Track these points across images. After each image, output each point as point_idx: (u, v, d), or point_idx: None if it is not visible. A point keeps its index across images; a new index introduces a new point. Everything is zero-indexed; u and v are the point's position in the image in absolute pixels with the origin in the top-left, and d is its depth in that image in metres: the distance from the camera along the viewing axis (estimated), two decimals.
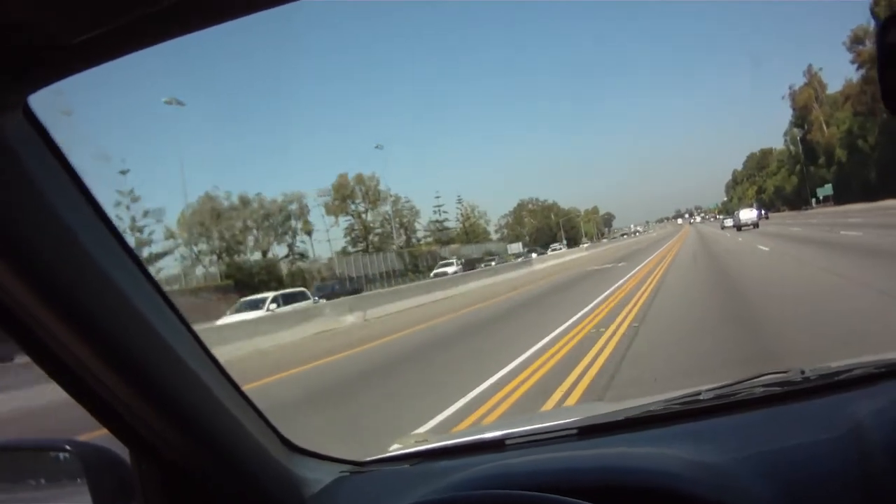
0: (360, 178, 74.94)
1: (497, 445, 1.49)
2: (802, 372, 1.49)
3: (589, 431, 1.45)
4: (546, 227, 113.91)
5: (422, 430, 5.42)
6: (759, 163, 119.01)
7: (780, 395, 1.41)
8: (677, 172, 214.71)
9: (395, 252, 67.99)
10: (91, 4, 0.71)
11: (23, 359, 1.04)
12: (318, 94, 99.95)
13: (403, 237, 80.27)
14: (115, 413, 1.01)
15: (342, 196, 73.04)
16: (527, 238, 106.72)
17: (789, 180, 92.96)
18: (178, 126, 74.74)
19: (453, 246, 79.45)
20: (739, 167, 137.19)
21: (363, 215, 74.91)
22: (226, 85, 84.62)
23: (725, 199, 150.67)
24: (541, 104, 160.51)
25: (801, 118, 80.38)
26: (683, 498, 1.05)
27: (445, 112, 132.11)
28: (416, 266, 65.46)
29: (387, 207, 77.16)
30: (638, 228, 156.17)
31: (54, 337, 0.90)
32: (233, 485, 1.14)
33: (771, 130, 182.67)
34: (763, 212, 76.42)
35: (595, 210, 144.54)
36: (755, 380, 1.52)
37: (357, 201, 75.22)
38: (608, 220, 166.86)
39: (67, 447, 1.23)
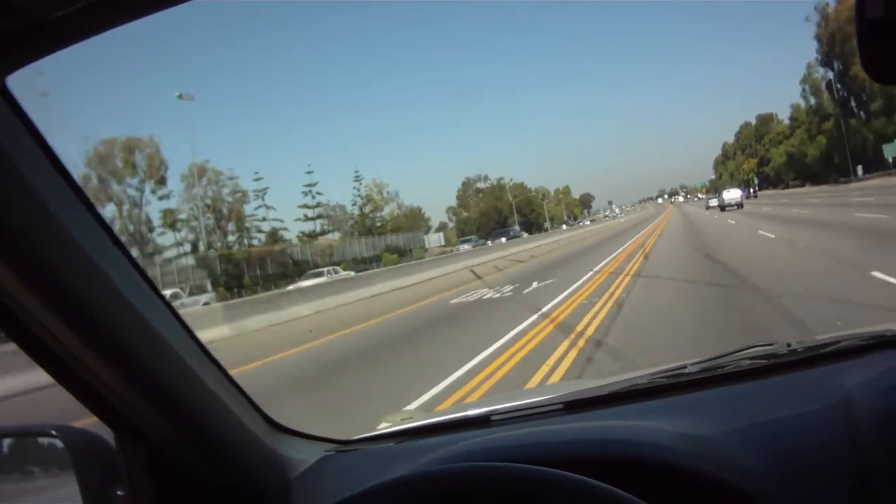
0: (130, 144, 50.01)
1: (482, 422, 1.49)
2: (789, 345, 1.50)
3: (574, 406, 1.46)
4: (495, 211, 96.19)
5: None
6: (756, 131, 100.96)
7: (766, 368, 1.41)
8: (661, 151, 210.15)
9: (200, 256, 47.75)
10: None
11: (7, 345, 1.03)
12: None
13: (236, 233, 59.02)
14: (99, 397, 1.01)
15: (109, 171, 50.09)
16: (474, 226, 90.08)
17: (814, 143, 66.65)
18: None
19: (325, 241, 61.95)
20: (731, 140, 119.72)
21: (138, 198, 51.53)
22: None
23: (714, 176, 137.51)
24: (521, 86, 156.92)
25: (831, 52, 57.87)
26: (670, 469, 1.06)
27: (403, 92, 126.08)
28: (241, 281, 45.62)
29: (197, 189, 53.29)
30: (607, 213, 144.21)
31: (37, 321, 0.89)
32: (218, 466, 1.15)
33: (766, 99, 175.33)
34: (751, 190, 74.15)
35: (566, 190, 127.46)
36: (741, 352, 1.53)
37: (130, 178, 50.79)
38: (587, 201, 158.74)
39: (53, 432, 1.22)
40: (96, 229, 0.94)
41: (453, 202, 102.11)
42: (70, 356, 0.94)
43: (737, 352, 1.54)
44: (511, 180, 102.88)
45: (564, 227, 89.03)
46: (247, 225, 61.06)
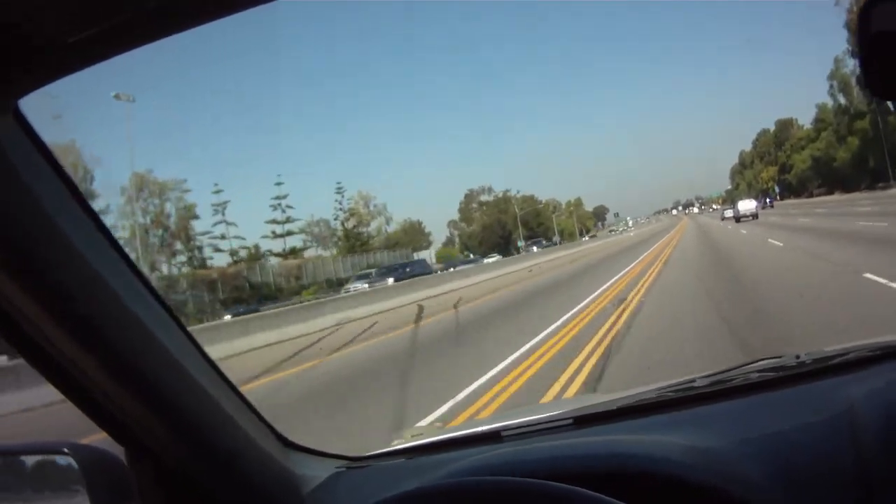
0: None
1: (493, 437, 1.50)
2: (797, 357, 1.50)
3: (584, 421, 1.46)
4: (499, 225, 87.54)
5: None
6: (776, 138, 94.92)
7: (775, 381, 1.41)
8: (676, 162, 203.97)
9: None
10: (82, 4, 0.71)
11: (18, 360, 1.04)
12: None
13: (186, 252, 51.90)
14: (110, 414, 1.02)
15: None
16: (476, 241, 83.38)
17: (844, 146, 60.26)
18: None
19: (293, 261, 54.83)
20: (748, 149, 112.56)
21: None
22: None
23: (730, 186, 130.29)
24: (530, 97, 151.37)
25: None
26: (679, 483, 1.06)
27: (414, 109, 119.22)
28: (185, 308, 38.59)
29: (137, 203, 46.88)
30: (612, 228, 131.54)
31: (47, 338, 0.90)
32: (229, 484, 1.15)
33: (785, 105, 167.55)
34: (768, 200, 71.33)
35: (578, 202, 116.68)
36: (750, 365, 1.53)
37: None
38: (601, 213, 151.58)
39: (65, 450, 1.23)
40: (107, 248, 0.96)
41: (456, 215, 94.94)
42: (79, 373, 0.95)
43: (745, 365, 1.54)
44: (518, 192, 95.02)
45: (535, 248, 68.39)
46: (198, 244, 54.45)
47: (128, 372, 0.97)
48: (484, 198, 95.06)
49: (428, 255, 62.37)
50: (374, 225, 72.47)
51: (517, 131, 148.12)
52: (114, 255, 0.97)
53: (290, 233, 60.32)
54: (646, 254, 28.71)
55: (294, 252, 59.74)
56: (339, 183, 73.22)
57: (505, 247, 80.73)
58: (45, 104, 0.88)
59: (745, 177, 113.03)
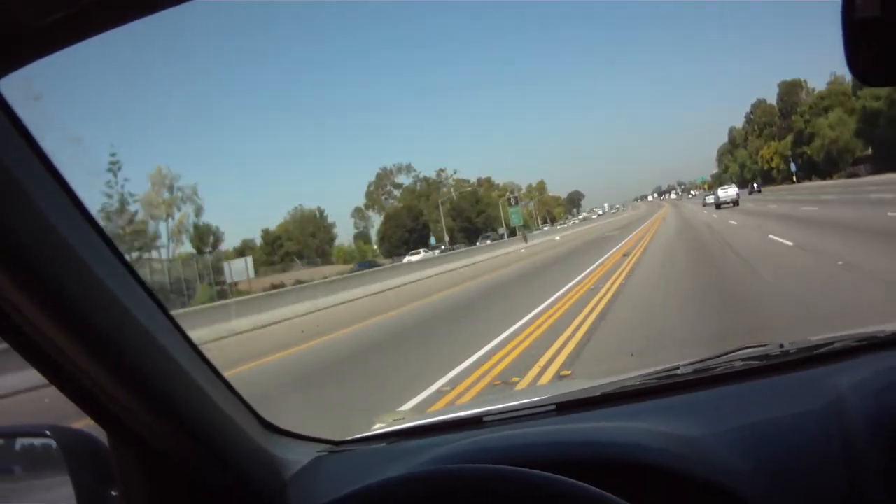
0: None
1: (475, 423, 1.50)
2: (781, 345, 1.50)
3: (566, 407, 1.46)
4: (409, 216, 66.14)
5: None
6: (781, 102, 77.42)
7: (759, 369, 1.41)
8: (656, 146, 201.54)
9: None
10: None
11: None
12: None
13: None
14: (92, 397, 1.01)
15: None
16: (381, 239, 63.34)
17: None
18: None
19: None
20: (739, 125, 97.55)
21: None
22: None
23: (717, 170, 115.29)
24: (511, 86, 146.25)
25: None
26: (660, 471, 1.06)
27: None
28: None
29: None
30: (562, 224, 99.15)
31: (29, 322, 0.89)
32: (211, 467, 1.15)
33: (774, 80, 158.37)
34: (755, 186, 64.11)
35: (541, 186, 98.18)
36: (734, 353, 1.53)
37: None
38: (576, 199, 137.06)
39: (47, 433, 1.23)
40: (88, 230, 0.95)
41: (363, 201, 71.62)
42: (63, 357, 0.94)
43: (730, 353, 1.54)
44: (455, 172, 73.17)
45: (478, 243, 56.20)
46: None
47: (111, 356, 0.97)
48: (402, 179, 72.49)
49: (244, 263, 41.20)
50: (178, 217, 51.11)
51: (476, 108, 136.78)
52: (96, 239, 0.96)
53: None
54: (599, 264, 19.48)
55: None
56: (112, 154, 44.58)
57: (418, 244, 59.70)
58: (25, 86, 0.87)
59: (735, 157, 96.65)
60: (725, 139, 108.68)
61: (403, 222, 64.38)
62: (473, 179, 78.23)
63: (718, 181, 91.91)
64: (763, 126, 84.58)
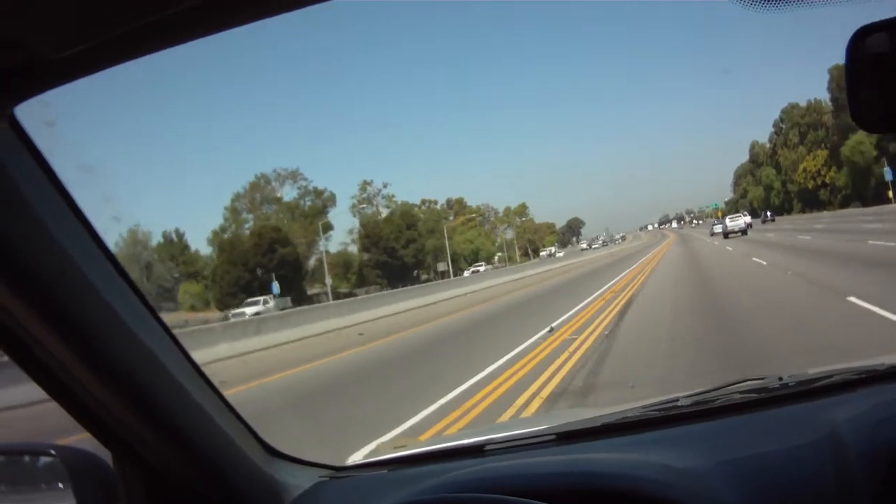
0: None
1: (476, 451, 1.50)
2: (780, 378, 1.50)
3: (567, 437, 1.46)
4: (267, 249, 45.56)
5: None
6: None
7: (757, 402, 1.41)
8: (668, 172, 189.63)
9: None
10: (77, 21, 0.73)
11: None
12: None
13: None
14: (98, 417, 1.03)
15: None
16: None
17: None
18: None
19: None
20: (762, 140, 79.38)
21: None
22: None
23: (732, 195, 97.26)
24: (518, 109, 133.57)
25: None
26: (657, 502, 1.06)
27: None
28: None
29: None
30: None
31: (38, 341, 0.91)
32: (214, 489, 1.16)
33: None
34: (769, 214, 57.26)
35: (521, 209, 78.09)
36: (733, 386, 1.53)
37: None
38: (575, 227, 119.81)
39: (52, 452, 1.24)
40: (98, 254, 0.97)
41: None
42: (68, 376, 0.96)
43: (729, 385, 1.54)
44: (385, 186, 56.18)
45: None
46: None
47: (116, 376, 0.98)
48: (282, 193, 53.64)
49: None
50: None
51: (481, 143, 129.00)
52: (104, 262, 0.98)
53: None
54: None
55: None
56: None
57: (261, 290, 42.41)
58: (40, 112, 0.90)
59: (759, 178, 77.71)
60: (744, 158, 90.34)
61: (247, 257, 44.61)
62: (443, 200, 63.06)
63: (735, 207, 79.65)
64: (806, 130, 64.26)
